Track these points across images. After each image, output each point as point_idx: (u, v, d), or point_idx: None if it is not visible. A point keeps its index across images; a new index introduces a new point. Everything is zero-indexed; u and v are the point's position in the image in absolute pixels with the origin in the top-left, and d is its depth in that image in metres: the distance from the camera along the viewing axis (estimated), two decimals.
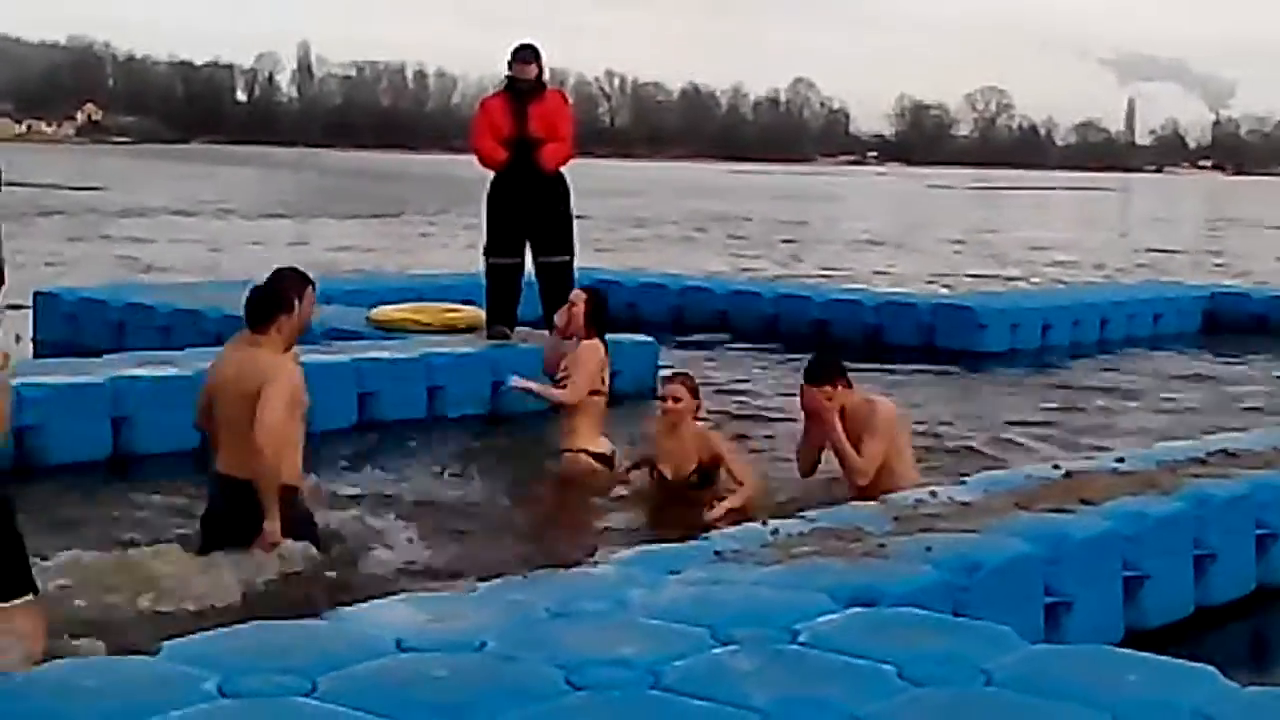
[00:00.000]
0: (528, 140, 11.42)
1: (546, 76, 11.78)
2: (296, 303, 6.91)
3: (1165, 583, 6.30)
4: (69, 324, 13.98)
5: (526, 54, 11.54)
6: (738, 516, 7.31)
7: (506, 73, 11.64)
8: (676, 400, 8.24)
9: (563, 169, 11.62)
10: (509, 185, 11.53)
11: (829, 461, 8.23)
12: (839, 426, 7.98)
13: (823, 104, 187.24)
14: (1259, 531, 6.83)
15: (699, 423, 8.50)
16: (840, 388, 8.07)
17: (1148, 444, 8.71)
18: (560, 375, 9.04)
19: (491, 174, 11.69)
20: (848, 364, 8.09)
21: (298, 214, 40.78)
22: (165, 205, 42.23)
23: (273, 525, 6.56)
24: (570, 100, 12.34)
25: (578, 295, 9.37)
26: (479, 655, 4.40)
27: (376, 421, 10.35)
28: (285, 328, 6.89)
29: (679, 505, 8.10)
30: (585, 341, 9.03)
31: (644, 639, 4.54)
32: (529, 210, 11.49)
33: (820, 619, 4.76)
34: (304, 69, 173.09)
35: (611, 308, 16.44)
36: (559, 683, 4.17)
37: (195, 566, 6.51)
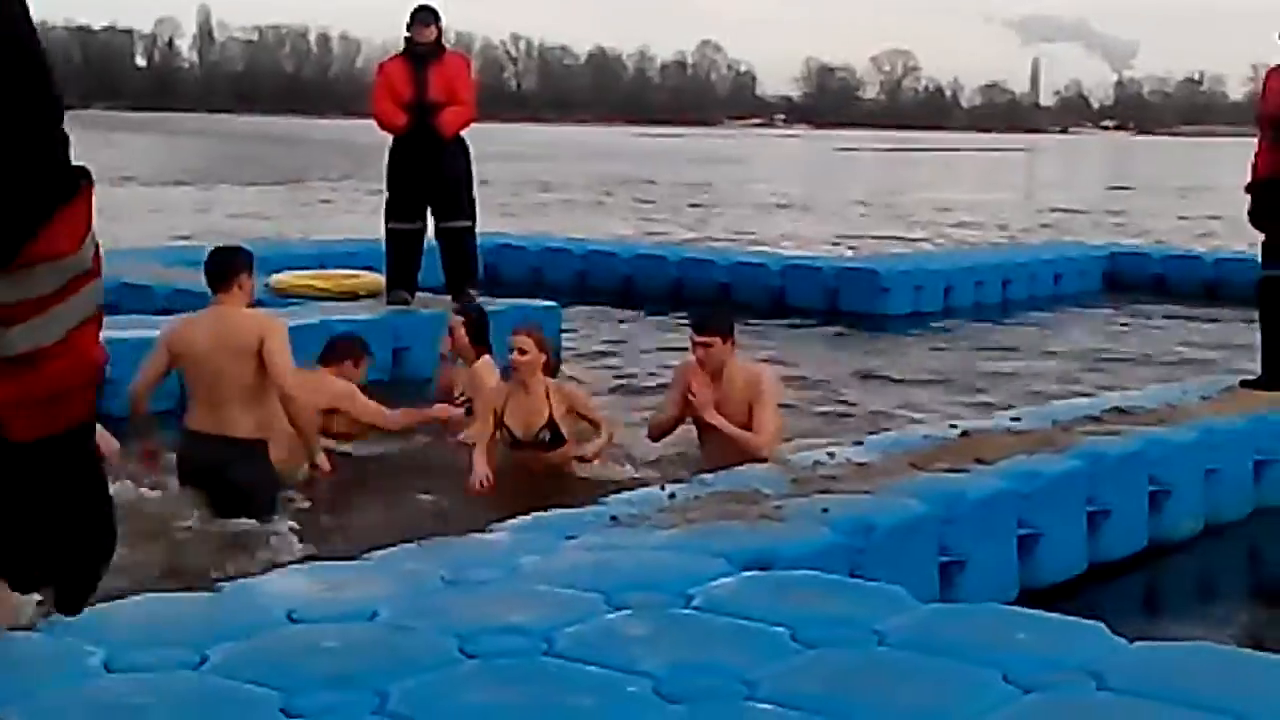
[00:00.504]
0: (427, 104, 11.32)
1: (448, 39, 11.69)
2: (251, 269, 7.35)
3: (1059, 540, 6.36)
4: None
5: (425, 16, 11.43)
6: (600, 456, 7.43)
7: (405, 34, 11.53)
8: (523, 353, 7.71)
9: (463, 133, 11.53)
10: (409, 150, 11.43)
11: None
12: (718, 419, 7.67)
13: (729, 66, 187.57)
14: (1152, 488, 6.91)
15: (570, 383, 8.33)
16: (729, 344, 7.77)
17: (1045, 403, 8.79)
18: (459, 398, 8.77)
19: (391, 139, 11.59)
20: (751, 325, 8.12)
21: (200, 181, 40.29)
22: None
23: (320, 458, 7.43)
24: (472, 64, 12.22)
25: (455, 320, 9.06)
26: (371, 625, 4.37)
27: None
28: (246, 285, 7.23)
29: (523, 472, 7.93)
30: (477, 363, 8.77)
31: (537, 606, 4.52)
32: (430, 175, 11.40)
33: (714, 583, 4.77)
34: (205, 33, 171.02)
35: (515, 273, 16.61)
36: (451, 651, 4.14)
37: None
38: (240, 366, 6.99)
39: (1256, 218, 8.58)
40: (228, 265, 7.26)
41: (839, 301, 15.16)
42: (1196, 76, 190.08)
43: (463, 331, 8.88)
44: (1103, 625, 4.42)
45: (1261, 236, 8.63)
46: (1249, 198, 8.58)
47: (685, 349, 12.73)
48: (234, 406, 7.01)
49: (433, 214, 11.55)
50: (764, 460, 7.19)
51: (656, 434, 8.07)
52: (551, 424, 7.64)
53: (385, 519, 7.10)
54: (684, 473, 7.08)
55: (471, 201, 11.64)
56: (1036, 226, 29.22)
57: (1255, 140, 8.51)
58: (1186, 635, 5.36)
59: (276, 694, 3.79)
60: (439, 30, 11.49)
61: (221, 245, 7.65)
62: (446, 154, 11.35)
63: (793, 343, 13.23)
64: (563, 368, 11.10)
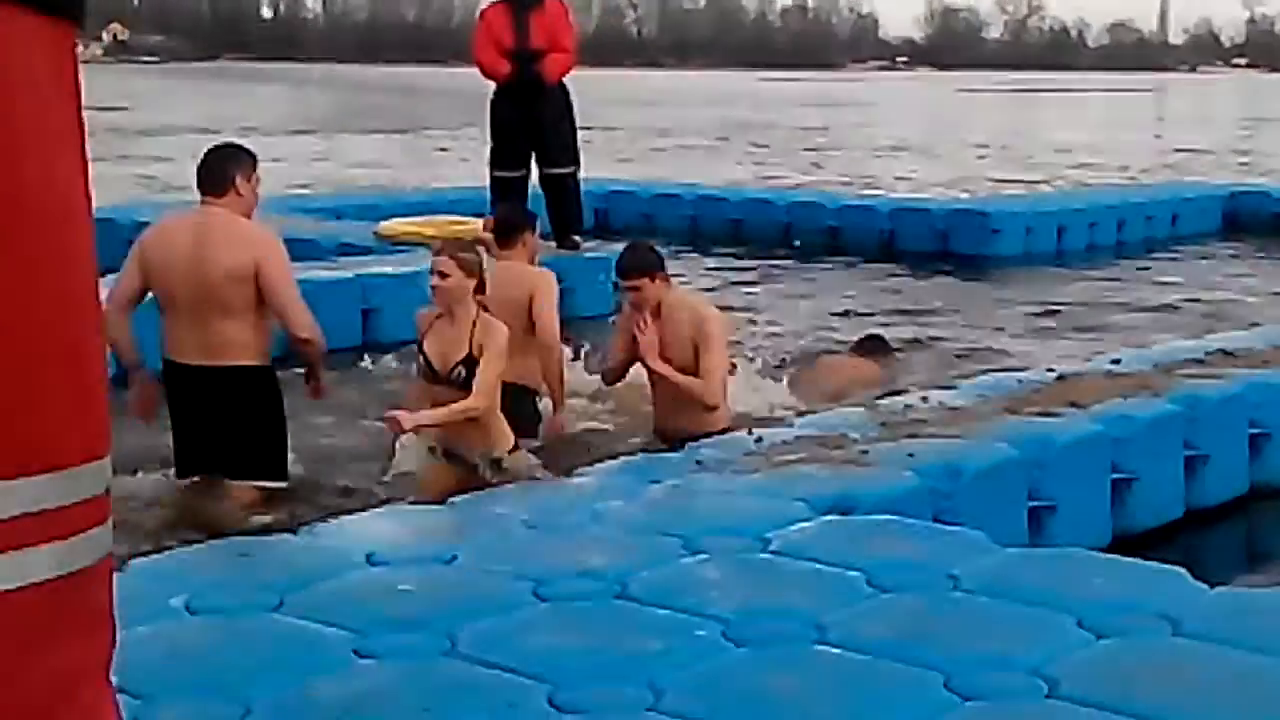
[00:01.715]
0: (529, 52, 11.33)
1: None
2: (251, 173, 6.53)
3: (1154, 485, 6.28)
4: None
5: None
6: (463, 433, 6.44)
7: None
8: (443, 276, 6.61)
9: (566, 79, 11.54)
10: (512, 98, 11.46)
11: None
12: (661, 365, 7.08)
13: (851, 9, 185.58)
14: (1252, 431, 6.79)
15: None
16: (659, 282, 7.11)
17: (1152, 346, 8.65)
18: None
19: (494, 86, 11.62)
20: (865, 267, 7.87)
21: (320, 130, 40.68)
22: (189, 124, 42.15)
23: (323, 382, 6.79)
24: (571, 10, 12.21)
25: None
26: (447, 568, 4.43)
27: (379, 341, 10.32)
28: (245, 189, 6.46)
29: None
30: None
31: (615, 550, 4.56)
32: (532, 122, 11.43)
33: (793, 527, 4.77)
34: None
35: (625, 218, 16.61)
36: (525, 594, 4.19)
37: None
38: (237, 289, 6.30)
39: None
40: (225, 167, 6.45)
41: (949, 244, 15.00)
42: None
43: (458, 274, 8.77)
44: (1184, 571, 4.37)
45: None
46: None
47: (780, 289, 12.81)
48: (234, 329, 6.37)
49: (536, 161, 11.58)
50: (713, 407, 6.96)
51: (609, 379, 7.65)
52: (469, 361, 6.55)
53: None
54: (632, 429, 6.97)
55: (575, 147, 11.66)
56: (1158, 167, 28.71)
57: None
58: None
59: (349, 635, 3.86)
60: None
61: (220, 143, 6.80)
62: (549, 101, 11.37)
63: (902, 285, 13.14)
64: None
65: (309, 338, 6.50)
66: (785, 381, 8.50)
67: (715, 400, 6.99)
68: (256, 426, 6.47)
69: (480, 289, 6.63)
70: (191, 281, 6.31)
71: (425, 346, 6.66)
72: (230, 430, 6.39)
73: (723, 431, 6.54)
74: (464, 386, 6.46)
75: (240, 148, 6.67)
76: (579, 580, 4.27)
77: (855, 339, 9.51)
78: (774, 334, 10.68)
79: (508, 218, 8.03)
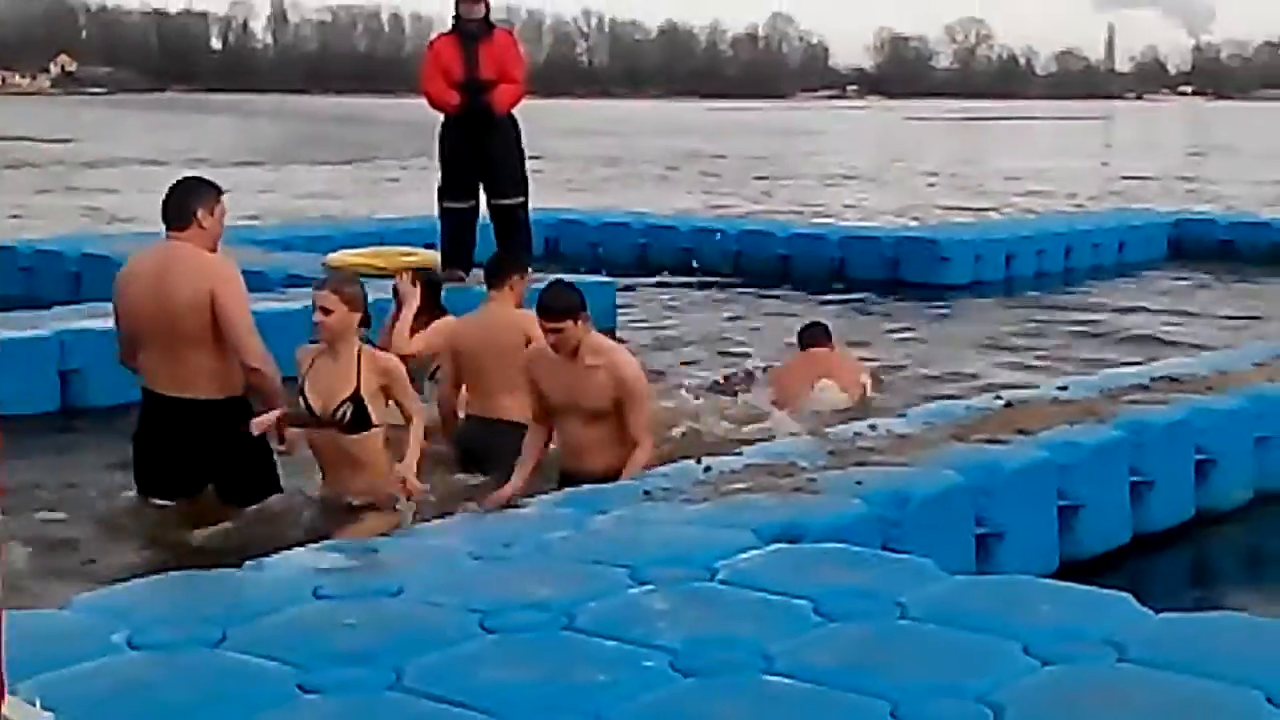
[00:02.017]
0: (479, 83, 11.31)
1: (519, 17, 11.71)
2: (214, 205, 6.59)
3: (1101, 511, 6.30)
4: (26, 277, 13.91)
5: None
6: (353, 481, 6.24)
7: (454, 13, 11.53)
8: (326, 312, 6.37)
9: (514, 110, 11.53)
10: (461, 128, 11.44)
11: None
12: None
13: (801, 38, 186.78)
14: (1198, 457, 6.83)
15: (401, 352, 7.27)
16: (580, 324, 6.65)
17: (1099, 372, 8.69)
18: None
19: (442, 117, 11.61)
20: (812, 298, 7.98)
21: (269, 161, 40.57)
22: (137, 155, 42.00)
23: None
24: (521, 39, 12.21)
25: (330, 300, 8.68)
26: (394, 601, 4.39)
27: None
28: (208, 222, 6.51)
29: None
30: (436, 324, 8.49)
31: (562, 581, 4.53)
32: (482, 153, 11.40)
33: (740, 556, 4.76)
34: (279, 15, 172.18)
35: (574, 247, 16.63)
36: (472, 627, 4.16)
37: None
38: (198, 320, 6.38)
39: None
40: (186, 203, 6.55)
41: (899, 272, 15.08)
42: (1276, 40, 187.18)
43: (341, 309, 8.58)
44: (1130, 596, 4.38)
45: None
46: None
47: (738, 321, 12.83)
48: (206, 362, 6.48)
49: (485, 191, 11.56)
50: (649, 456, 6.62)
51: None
52: (356, 400, 6.28)
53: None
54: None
55: (524, 178, 11.64)
56: (1106, 194, 28.94)
57: None
58: (1235, 607, 5.30)
59: (293, 670, 3.82)
60: (488, 7, 11.48)
61: (183, 177, 6.87)
62: (498, 132, 11.35)
63: (850, 314, 13.17)
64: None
65: (258, 367, 6.48)
66: (740, 401, 8.56)
67: (649, 459, 6.54)
68: (224, 458, 6.50)
69: (365, 323, 6.46)
70: (156, 314, 6.41)
71: (306, 386, 6.40)
72: (199, 460, 6.49)
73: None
74: (352, 428, 6.18)
75: (203, 181, 6.73)
76: (526, 612, 4.24)
77: (797, 331, 9.62)
78: (731, 358, 10.70)
79: (498, 261, 8.13)
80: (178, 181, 6.70)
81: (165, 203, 6.56)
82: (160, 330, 6.42)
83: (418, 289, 8.64)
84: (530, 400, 6.86)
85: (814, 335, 9.41)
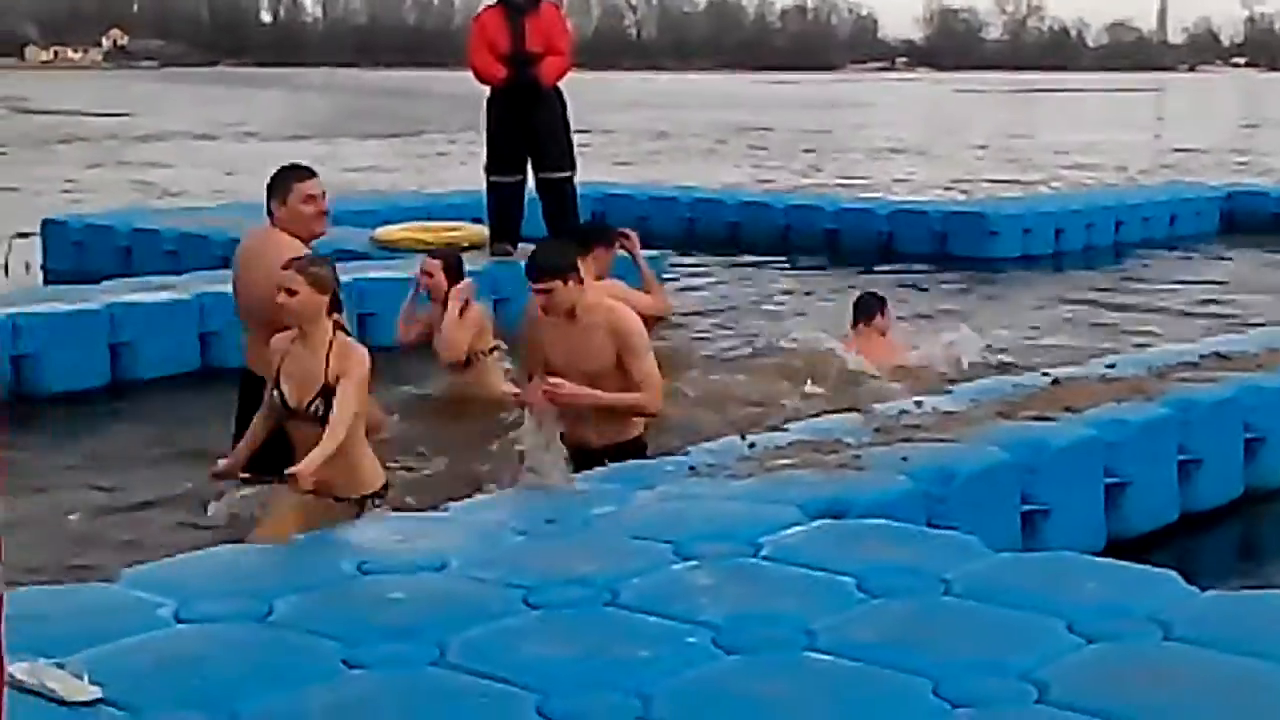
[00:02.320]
0: (525, 55, 11.31)
1: None
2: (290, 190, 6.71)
3: (1148, 489, 6.27)
4: (77, 252, 13.99)
5: None
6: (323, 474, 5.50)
7: None
8: (291, 293, 5.85)
9: (560, 83, 11.53)
10: (507, 102, 11.43)
11: None
12: (587, 392, 6.23)
13: (850, 10, 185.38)
14: (1247, 435, 6.78)
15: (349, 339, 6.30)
16: (572, 284, 6.29)
17: (1148, 348, 8.64)
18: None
19: (489, 91, 11.61)
20: (861, 271, 7.95)
21: (319, 135, 40.68)
22: (187, 129, 42.20)
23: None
24: (569, 12, 12.19)
25: (430, 263, 8.61)
26: (439, 576, 4.42)
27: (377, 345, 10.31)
28: (280, 211, 6.69)
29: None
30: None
31: (607, 557, 4.55)
32: (528, 127, 11.40)
33: (784, 532, 4.76)
34: None
35: (621, 221, 16.56)
36: (516, 602, 4.18)
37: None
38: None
39: None
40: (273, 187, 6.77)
41: (947, 246, 15.01)
42: None
43: (441, 275, 8.48)
44: (1176, 574, 4.37)
45: None
46: None
47: (785, 296, 12.80)
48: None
49: (532, 166, 11.56)
50: (652, 415, 6.48)
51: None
52: (326, 391, 5.72)
53: (473, 470, 7.13)
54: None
55: (571, 152, 11.63)
56: (1157, 167, 28.71)
57: None
58: None
59: (338, 645, 3.85)
60: None
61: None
62: (544, 105, 11.34)
63: (901, 288, 13.12)
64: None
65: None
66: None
67: (657, 408, 6.42)
68: None
69: (335, 306, 5.95)
70: (254, 297, 6.46)
71: (280, 376, 5.91)
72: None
73: (636, 441, 6.40)
74: (322, 421, 5.66)
75: (297, 167, 6.92)
76: (569, 588, 4.27)
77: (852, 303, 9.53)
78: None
79: (580, 233, 8.00)
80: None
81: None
82: (258, 312, 6.43)
83: (456, 290, 8.41)
84: (532, 364, 6.56)
85: (866, 306, 9.37)
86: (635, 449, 6.38)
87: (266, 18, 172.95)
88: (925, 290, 13.07)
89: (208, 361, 9.56)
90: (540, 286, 6.32)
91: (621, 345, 6.31)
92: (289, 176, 6.79)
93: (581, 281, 6.36)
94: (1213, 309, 12.14)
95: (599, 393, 6.24)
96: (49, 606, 4.11)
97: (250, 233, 6.92)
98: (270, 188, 6.71)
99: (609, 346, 6.31)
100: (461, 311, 8.41)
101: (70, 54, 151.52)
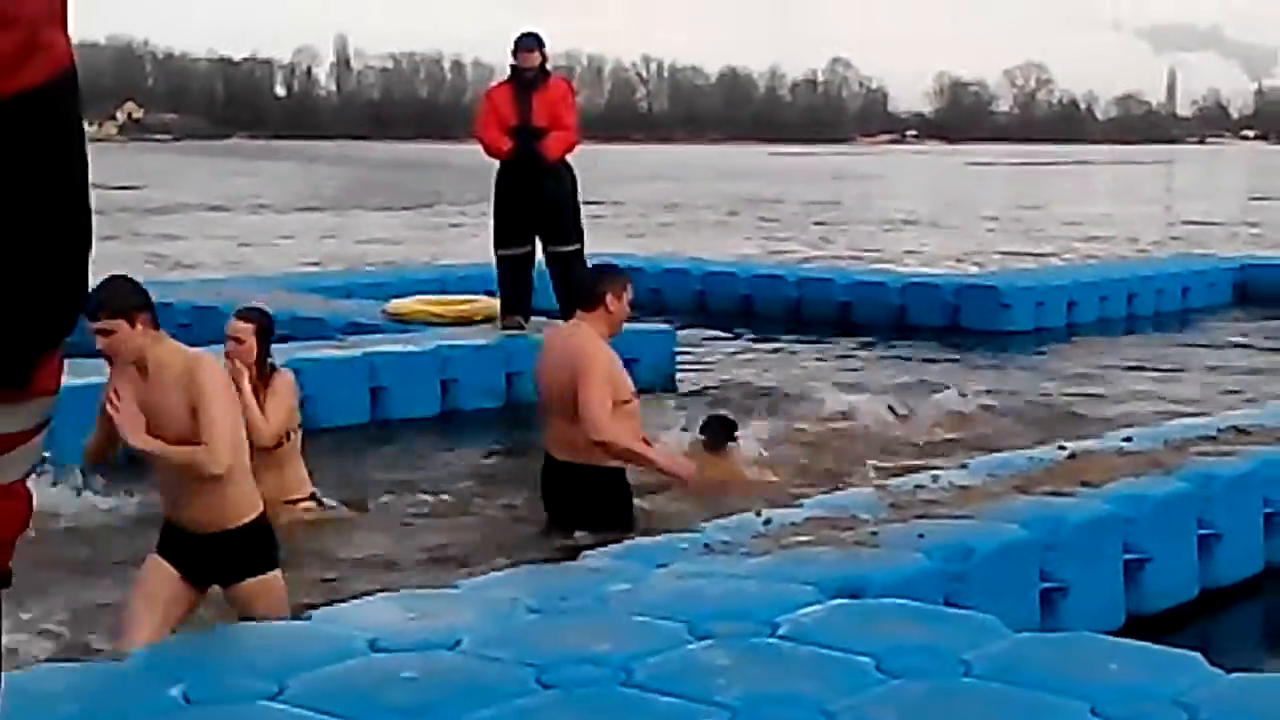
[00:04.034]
0: (531, 129, 11.36)
1: (580, 63, 11.75)
2: (611, 297, 7.28)
3: (1167, 565, 6.20)
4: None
5: (529, 42, 11.48)
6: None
7: (510, 61, 11.59)
8: (239, 341, 6.77)
9: (570, 157, 11.56)
10: (515, 175, 11.48)
11: None
12: (149, 442, 5.16)
13: (861, 84, 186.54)
14: (1266, 510, 6.71)
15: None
16: (141, 327, 5.10)
17: (1163, 423, 8.59)
18: None
19: (497, 165, 11.65)
20: (871, 342, 7.87)
21: (332, 207, 40.85)
22: (201, 201, 42.39)
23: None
24: (581, 85, 12.23)
25: (239, 326, 7.29)
26: (452, 654, 4.36)
27: (389, 418, 10.30)
28: (614, 307, 7.31)
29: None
30: (280, 377, 7.38)
31: (621, 635, 4.49)
32: (535, 200, 11.42)
33: (801, 611, 4.70)
34: (342, 62, 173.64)
35: (635, 294, 16.58)
36: (529, 682, 4.12)
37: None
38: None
39: None
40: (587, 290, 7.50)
41: (960, 319, 14.99)
42: None
43: (252, 340, 7.24)
44: (1199, 655, 4.30)
45: None
46: None
47: (799, 370, 12.76)
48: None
49: (540, 239, 11.57)
50: (216, 477, 5.17)
51: (90, 460, 5.83)
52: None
53: (489, 547, 7.08)
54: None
55: (578, 224, 11.63)
56: (1168, 239, 28.74)
57: None
58: None
59: None
60: (544, 56, 11.53)
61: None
62: (551, 178, 11.38)
63: (913, 362, 13.09)
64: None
65: (600, 440, 7.18)
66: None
67: (219, 469, 5.16)
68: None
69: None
70: (550, 388, 7.47)
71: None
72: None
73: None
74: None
75: (615, 268, 7.85)
76: (583, 667, 4.21)
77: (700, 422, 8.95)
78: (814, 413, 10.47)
79: (591, 278, 7.73)
80: (593, 266, 7.73)
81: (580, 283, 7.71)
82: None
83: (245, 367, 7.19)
84: (101, 422, 5.44)
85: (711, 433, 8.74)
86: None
87: (280, 91, 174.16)
88: (934, 363, 13.04)
89: None
90: (97, 326, 5.07)
91: (192, 391, 5.13)
92: (622, 275, 7.60)
93: (155, 327, 5.19)
94: (1228, 382, 12.09)
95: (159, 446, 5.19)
96: (54, 685, 4.06)
97: (567, 328, 7.60)
98: (603, 282, 7.38)
99: (185, 403, 5.16)
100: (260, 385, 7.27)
101: (85, 127, 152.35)
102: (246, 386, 6.92)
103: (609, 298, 7.31)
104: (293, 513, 7.12)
